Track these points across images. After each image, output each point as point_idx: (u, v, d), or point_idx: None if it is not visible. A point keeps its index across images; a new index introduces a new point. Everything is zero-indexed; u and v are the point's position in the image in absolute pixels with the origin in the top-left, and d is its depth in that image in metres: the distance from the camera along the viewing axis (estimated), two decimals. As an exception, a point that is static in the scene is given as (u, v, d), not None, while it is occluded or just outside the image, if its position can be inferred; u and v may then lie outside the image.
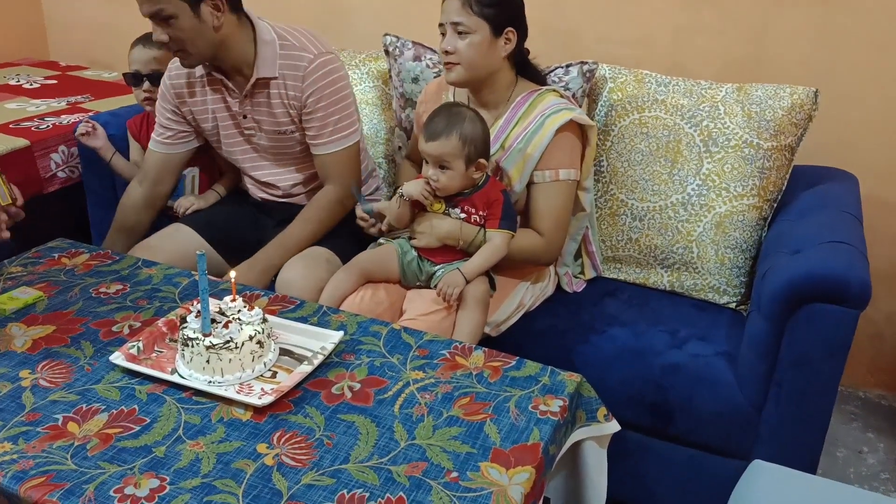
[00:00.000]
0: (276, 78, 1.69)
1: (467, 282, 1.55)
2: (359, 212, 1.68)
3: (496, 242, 1.58)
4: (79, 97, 2.49)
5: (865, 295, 1.33)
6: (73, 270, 1.58)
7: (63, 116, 2.29)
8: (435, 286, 1.58)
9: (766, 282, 1.46)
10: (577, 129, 1.65)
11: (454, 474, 1.07)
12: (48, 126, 2.19)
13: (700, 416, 1.51)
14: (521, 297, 1.69)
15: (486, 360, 1.34)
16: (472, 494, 1.04)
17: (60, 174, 2.17)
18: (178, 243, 1.78)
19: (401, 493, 1.03)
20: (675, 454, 1.57)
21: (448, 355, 1.35)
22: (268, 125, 1.76)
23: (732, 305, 1.77)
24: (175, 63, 1.78)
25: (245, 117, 1.76)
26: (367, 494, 1.03)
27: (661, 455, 1.58)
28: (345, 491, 1.03)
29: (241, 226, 1.87)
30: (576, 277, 1.85)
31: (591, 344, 1.61)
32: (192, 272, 1.60)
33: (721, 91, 1.79)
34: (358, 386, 1.25)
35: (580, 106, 1.86)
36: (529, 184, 1.65)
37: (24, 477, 1.02)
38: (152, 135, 1.86)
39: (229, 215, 1.90)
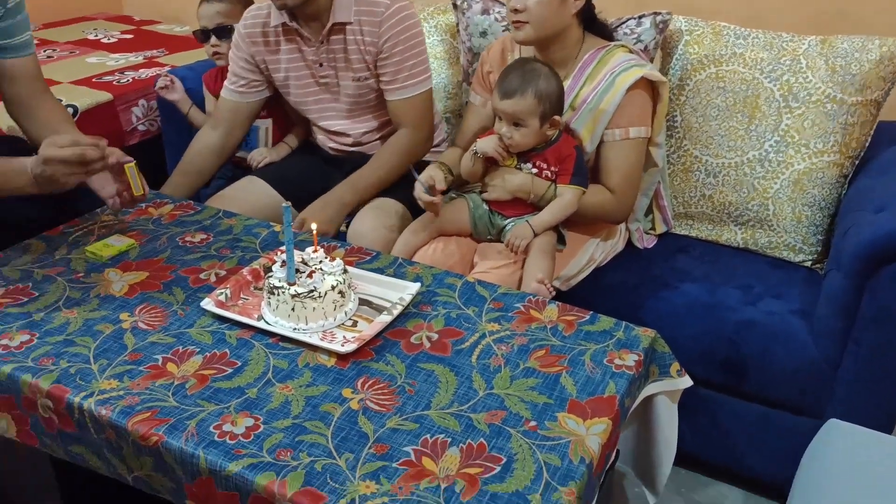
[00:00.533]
0: (351, 23, 1.72)
1: (535, 235, 1.57)
2: (421, 195, 1.60)
3: (567, 198, 1.58)
4: (154, 52, 2.56)
5: (954, 255, 1.29)
6: (160, 220, 1.64)
7: (141, 70, 2.36)
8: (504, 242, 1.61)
9: (847, 240, 1.43)
10: (648, 86, 1.63)
11: (532, 423, 1.10)
12: (128, 80, 2.26)
13: (774, 373, 1.51)
14: (592, 252, 1.70)
15: (559, 314, 1.36)
16: (551, 443, 1.07)
17: (141, 127, 2.25)
18: (253, 195, 1.84)
19: (482, 440, 1.07)
20: (747, 411, 1.57)
21: (522, 308, 1.37)
22: (344, 72, 1.79)
23: (808, 264, 1.74)
24: (251, 12, 1.82)
25: (321, 65, 1.80)
26: (450, 440, 1.07)
27: (733, 411, 1.58)
28: (428, 435, 1.07)
29: (312, 179, 1.92)
30: (647, 234, 1.85)
31: (663, 299, 1.61)
32: (271, 223, 1.65)
33: (804, 44, 1.73)
34: (436, 336, 1.29)
35: (652, 59, 1.82)
36: (600, 142, 1.64)
37: (131, 412, 1.09)
38: (225, 83, 1.90)
39: (300, 169, 1.94)
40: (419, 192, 1.59)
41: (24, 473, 1.39)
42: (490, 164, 1.64)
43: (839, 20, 1.99)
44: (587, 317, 1.36)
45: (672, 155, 1.83)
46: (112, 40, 2.68)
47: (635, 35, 1.81)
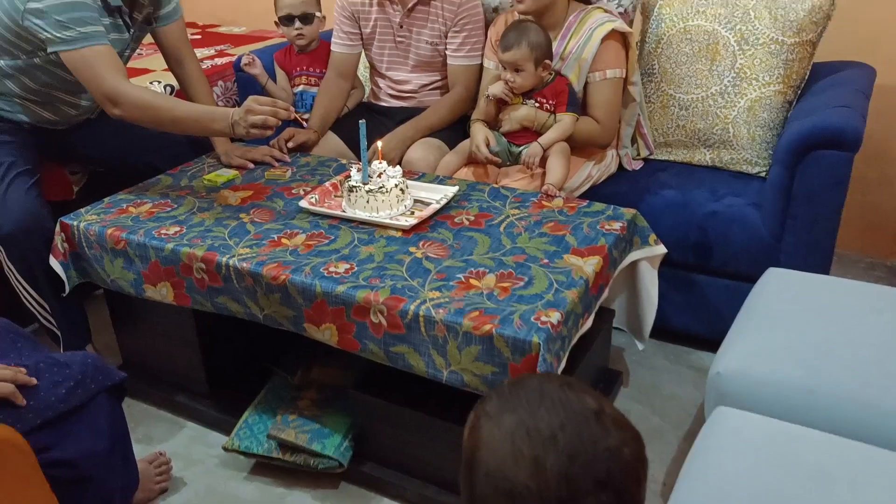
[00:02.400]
0: (436, 0, 2.22)
1: (544, 150, 2.02)
2: (486, 153, 2.03)
3: (565, 121, 2.03)
4: (221, 46, 3.05)
5: (857, 140, 1.74)
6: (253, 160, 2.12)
7: (216, 59, 2.85)
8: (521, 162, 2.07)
9: (782, 139, 1.88)
10: (620, 36, 2.08)
11: (546, 260, 1.56)
12: (208, 66, 2.75)
13: (733, 251, 1.94)
14: (589, 170, 2.15)
15: (565, 203, 1.82)
16: (559, 270, 1.52)
17: (220, 104, 2.73)
18: (325, 142, 2.31)
19: (510, 269, 1.53)
20: (715, 285, 2.01)
21: (536, 200, 1.83)
22: (418, 36, 2.28)
23: (763, 174, 2.17)
24: None
25: (401, 27, 2.29)
26: (487, 270, 1.53)
27: (704, 286, 2.02)
28: (472, 268, 1.53)
29: (371, 130, 2.38)
30: (634, 159, 2.30)
31: (646, 202, 2.05)
32: (339, 159, 2.13)
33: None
34: (472, 218, 1.75)
35: (632, 20, 2.27)
36: (585, 84, 2.09)
37: (263, 264, 1.56)
38: (334, 39, 2.38)
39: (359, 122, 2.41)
40: (484, 152, 2.03)
41: (172, 334, 1.87)
42: (501, 104, 2.11)
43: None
44: (585, 203, 1.81)
45: (652, 95, 2.28)
46: (184, 40, 3.18)
47: (616, 0, 2.27)
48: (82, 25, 1.74)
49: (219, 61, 2.83)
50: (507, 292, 1.45)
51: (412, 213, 1.78)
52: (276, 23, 2.47)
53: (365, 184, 1.74)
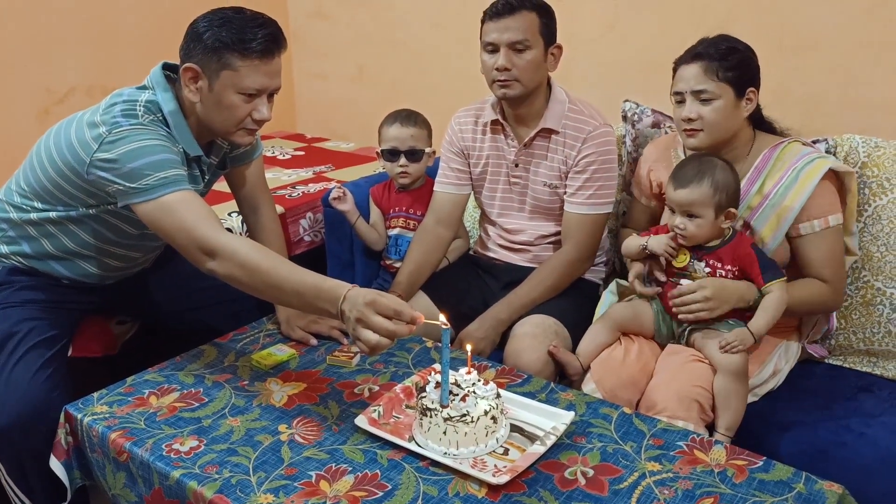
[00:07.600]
0: (557, 133, 1.81)
1: (756, 341, 1.52)
2: (643, 289, 1.67)
3: (777, 294, 1.52)
4: (322, 167, 2.75)
5: None
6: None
7: (310, 185, 2.53)
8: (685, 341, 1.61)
9: None
10: (833, 175, 1.60)
11: (702, 585, 1.00)
12: (299, 194, 2.43)
13: None
14: (775, 363, 1.63)
15: (728, 458, 1.25)
16: None
17: (306, 238, 2.39)
18: (413, 306, 1.87)
19: None
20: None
21: (685, 448, 1.28)
22: (534, 177, 1.87)
23: None
24: (461, 111, 1.97)
25: (517, 166, 1.88)
26: None
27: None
28: (584, 587, 1.00)
29: (471, 292, 1.95)
30: (810, 340, 1.72)
31: (847, 446, 1.44)
32: (423, 338, 1.67)
33: None
34: (591, 472, 1.22)
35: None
36: (794, 237, 1.60)
37: (285, 531, 1.10)
38: (438, 178, 2.00)
39: (459, 281, 1.97)
40: (640, 287, 1.65)
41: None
42: (656, 266, 1.64)
43: None
44: (760, 463, 1.24)
45: (850, 286, 1.69)
46: (286, 157, 2.91)
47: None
48: (161, 170, 1.42)
49: (312, 188, 2.51)
50: None
51: (505, 451, 1.27)
52: (377, 154, 2.12)
53: (444, 406, 1.26)
